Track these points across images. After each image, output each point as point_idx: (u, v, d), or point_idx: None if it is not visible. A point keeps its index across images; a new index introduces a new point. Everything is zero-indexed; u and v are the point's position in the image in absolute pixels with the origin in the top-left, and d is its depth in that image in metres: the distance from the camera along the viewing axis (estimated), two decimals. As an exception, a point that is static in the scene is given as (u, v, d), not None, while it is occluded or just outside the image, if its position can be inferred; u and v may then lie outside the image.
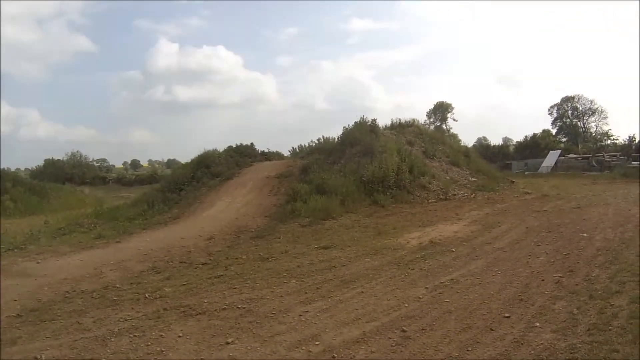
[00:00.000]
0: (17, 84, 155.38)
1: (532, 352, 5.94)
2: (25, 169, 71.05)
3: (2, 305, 8.99)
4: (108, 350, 6.59)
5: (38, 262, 13.11)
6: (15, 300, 9.27)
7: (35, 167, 65.53)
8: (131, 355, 6.42)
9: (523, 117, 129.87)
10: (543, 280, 9.12)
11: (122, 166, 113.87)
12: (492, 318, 7.23)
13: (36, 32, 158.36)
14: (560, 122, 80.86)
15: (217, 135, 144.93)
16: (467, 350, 6.11)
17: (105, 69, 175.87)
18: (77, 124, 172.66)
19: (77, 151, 71.13)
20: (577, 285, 8.61)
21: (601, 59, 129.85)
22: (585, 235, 13.03)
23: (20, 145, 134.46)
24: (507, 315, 7.30)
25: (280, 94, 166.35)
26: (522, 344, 6.20)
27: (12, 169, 53.92)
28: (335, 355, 6.22)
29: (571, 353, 5.80)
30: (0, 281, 10.25)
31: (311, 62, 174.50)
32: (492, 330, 6.75)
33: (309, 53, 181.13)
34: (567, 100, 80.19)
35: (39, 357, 6.41)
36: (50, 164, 63.96)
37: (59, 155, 70.34)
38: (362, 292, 9.05)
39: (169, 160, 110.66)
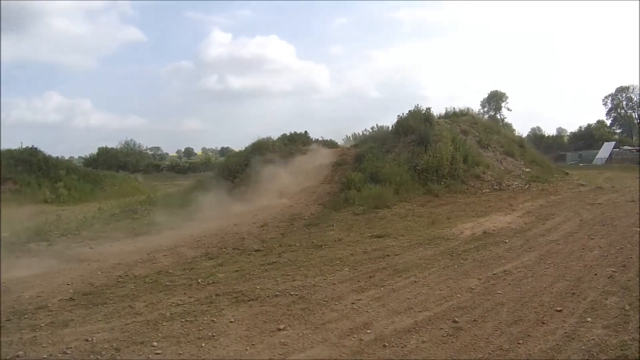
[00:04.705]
0: (70, 75, 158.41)
1: (583, 347, 5.95)
2: (79, 157, 72.14)
3: (56, 288, 9.34)
4: (159, 334, 6.79)
5: (91, 248, 13.62)
6: (69, 284, 9.60)
7: (89, 155, 66.47)
8: (182, 339, 6.61)
9: (578, 107, 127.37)
10: (596, 274, 9.07)
11: (175, 154, 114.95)
12: (543, 311, 7.25)
13: (88, 24, 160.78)
14: (614, 112, 79.26)
15: (270, 124, 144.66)
16: (518, 343, 6.15)
17: (156, 60, 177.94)
18: (129, 113, 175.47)
19: (131, 139, 72.20)
20: (629, 280, 8.55)
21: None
22: (639, 229, 12.86)
23: (73, 134, 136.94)
24: (558, 309, 7.30)
25: (332, 83, 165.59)
26: (573, 338, 6.21)
27: (66, 157, 54.75)
28: (387, 344, 6.31)
29: (622, 350, 5.79)
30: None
31: (363, 51, 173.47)
32: (544, 323, 6.76)
33: (360, 42, 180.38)
34: (621, 90, 78.51)
35: (90, 339, 6.62)
36: (104, 152, 64.61)
37: (112, 143, 71.37)
38: (415, 281, 9.12)
39: (222, 148, 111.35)
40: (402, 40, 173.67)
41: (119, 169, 50.88)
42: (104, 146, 66.83)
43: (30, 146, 33.86)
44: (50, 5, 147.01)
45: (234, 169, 25.10)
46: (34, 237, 14.92)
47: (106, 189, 33.29)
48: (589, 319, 6.80)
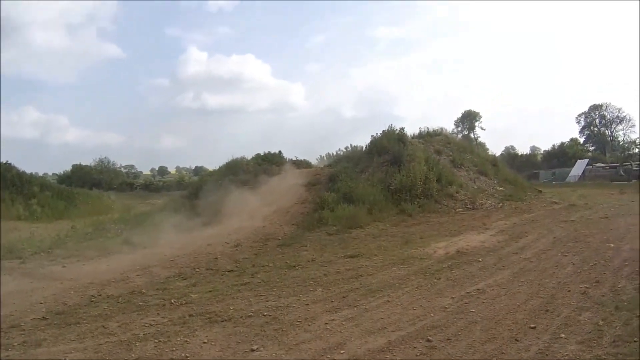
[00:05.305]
0: (47, 90, 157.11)
1: (557, 363, 5.95)
2: (53, 173, 71.68)
3: (28, 307, 9.23)
4: (133, 355, 6.72)
5: (64, 266, 13.47)
6: (41, 303, 9.52)
7: (63, 172, 66.13)
8: (156, 360, 6.51)
9: (551, 125, 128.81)
10: (569, 291, 9.11)
11: (149, 172, 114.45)
12: (517, 329, 7.25)
13: (66, 38, 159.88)
14: (588, 130, 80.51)
15: (245, 142, 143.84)
16: (492, 361, 6.13)
17: (134, 76, 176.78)
18: (105, 130, 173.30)
19: (105, 157, 72.23)
20: (603, 296, 8.61)
21: (628, 64, 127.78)
22: (612, 245, 12.98)
23: (49, 151, 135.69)
24: (532, 326, 7.31)
25: (308, 102, 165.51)
26: (547, 355, 6.22)
27: (40, 174, 54.55)
28: (360, 364, 6.24)
29: (596, 365, 5.81)
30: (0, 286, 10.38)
31: (339, 70, 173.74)
32: (518, 341, 6.76)
33: (336, 61, 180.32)
34: (594, 108, 79.90)
35: (63, 359, 6.55)
36: (77, 169, 64.62)
37: (88, 160, 71.13)
38: (388, 301, 9.08)
39: (196, 167, 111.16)
40: (379, 59, 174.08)
41: (92, 187, 50.50)
42: (78, 163, 66.73)
43: (5, 162, 33.57)
44: (30, 18, 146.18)
45: (208, 188, 24.97)
46: (7, 254, 14.75)
47: (79, 207, 32.92)
48: (563, 335, 6.82)
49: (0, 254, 14.20)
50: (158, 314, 8.71)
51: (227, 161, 28.68)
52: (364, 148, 28.71)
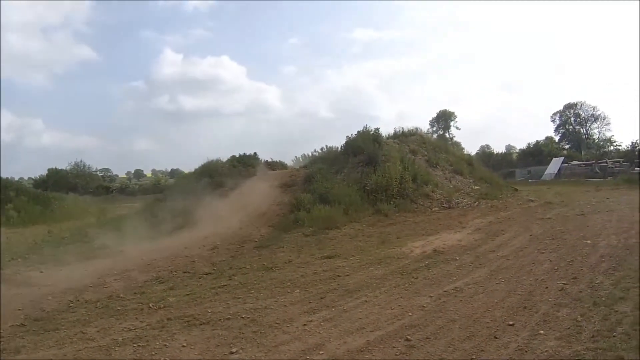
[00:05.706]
0: (21, 93, 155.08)
1: (536, 359, 5.96)
2: (29, 178, 70.85)
3: (6, 314, 9.05)
4: (112, 360, 6.59)
5: (41, 272, 13.21)
6: (19, 310, 9.35)
7: (39, 176, 65.43)
8: (135, 364, 6.41)
9: (526, 125, 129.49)
10: (547, 287, 9.13)
11: (125, 176, 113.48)
12: (496, 326, 7.24)
13: (41, 41, 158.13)
14: (563, 129, 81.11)
15: (221, 144, 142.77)
16: (472, 359, 6.13)
17: (109, 79, 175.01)
18: (81, 133, 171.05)
19: (81, 161, 71.09)
20: (581, 292, 8.64)
21: (603, 64, 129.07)
22: (588, 242, 13.03)
23: (24, 154, 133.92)
24: (511, 323, 7.32)
25: (284, 103, 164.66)
26: (526, 351, 6.22)
27: (16, 178, 53.98)
28: (339, 364, 6.19)
29: (576, 360, 5.81)
30: (1, 291, 10.29)
31: (315, 71, 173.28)
32: (496, 338, 6.76)
33: (312, 63, 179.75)
34: (569, 107, 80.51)
35: (42, 366, 6.43)
36: (53, 173, 63.85)
37: (63, 164, 70.33)
38: (366, 301, 9.04)
39: (172, 169, 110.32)
40: (354, 60, 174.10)
41: (68, 191, 49.88)
42: (54, 167, 66.06)
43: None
44: (4, 20, 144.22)
45: (183, 191, 24.79)
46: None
47: (55, 212, 32.52)
48: (542, 332, 6.83)
49: (0, 260, 14.01)
50: (136, 318, 8.63)
51: (202, 163, 28.45)
52: (339, 149, 28.66)
